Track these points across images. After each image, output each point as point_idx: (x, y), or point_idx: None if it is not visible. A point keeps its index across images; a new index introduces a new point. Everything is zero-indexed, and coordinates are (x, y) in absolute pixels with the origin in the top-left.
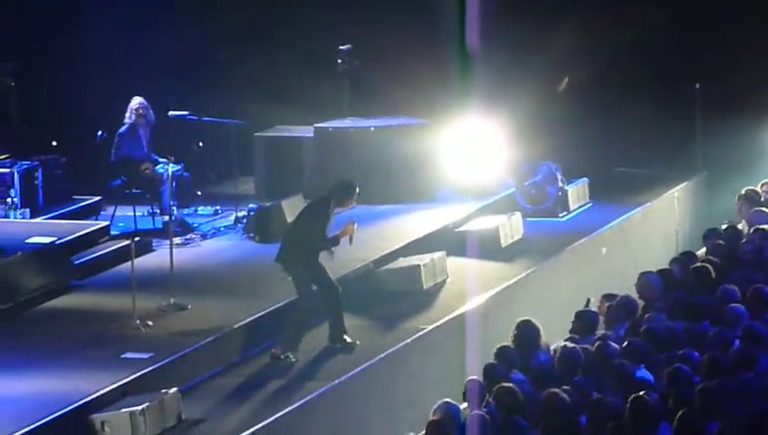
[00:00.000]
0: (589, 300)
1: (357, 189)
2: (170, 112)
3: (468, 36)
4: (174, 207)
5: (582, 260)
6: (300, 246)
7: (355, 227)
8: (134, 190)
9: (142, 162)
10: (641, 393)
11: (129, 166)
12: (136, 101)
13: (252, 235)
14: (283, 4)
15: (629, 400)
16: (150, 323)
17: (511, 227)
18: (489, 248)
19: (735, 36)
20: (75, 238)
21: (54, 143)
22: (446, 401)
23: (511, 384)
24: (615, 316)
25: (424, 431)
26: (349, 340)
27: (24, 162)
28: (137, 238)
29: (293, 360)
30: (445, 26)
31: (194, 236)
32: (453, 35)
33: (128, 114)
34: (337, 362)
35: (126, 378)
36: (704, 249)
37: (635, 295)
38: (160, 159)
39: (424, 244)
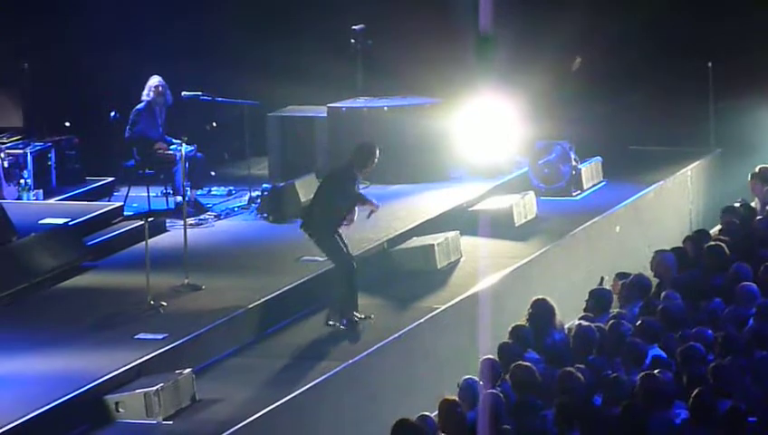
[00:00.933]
0: (603, 279)
1: (376, 150)
2: (184, 93)
3: (482, 15)
4: (187, 188)
5: (596, 239)
6: (327, 215)
7: (376, 205)
8: (147, 171)
9: (156, 142)
10: (654, 371)
11: (143, 144)
12: (155, 79)
13: (265, 215)
14: None
15: (640, 377)
16: (164, 303)
17: (524, 207)
18: (503, 227)
19: (748, 14)
20: (88, 219)
21: (67, 124)
22: (469, 378)
23: (528, 363)
24: (628, 295)
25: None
26: (360, 316)
27: (37, 143)
28: (150, 219)
29: (361, 319)
30: (458, 5)
31: (207, 216)
32: (466, 14)
33: (146, 92)
34: (351, 341)
35: (140, 358)
36: (717, 227)
37: (648, 274)
38: (174, 141)
39: (438, 223)
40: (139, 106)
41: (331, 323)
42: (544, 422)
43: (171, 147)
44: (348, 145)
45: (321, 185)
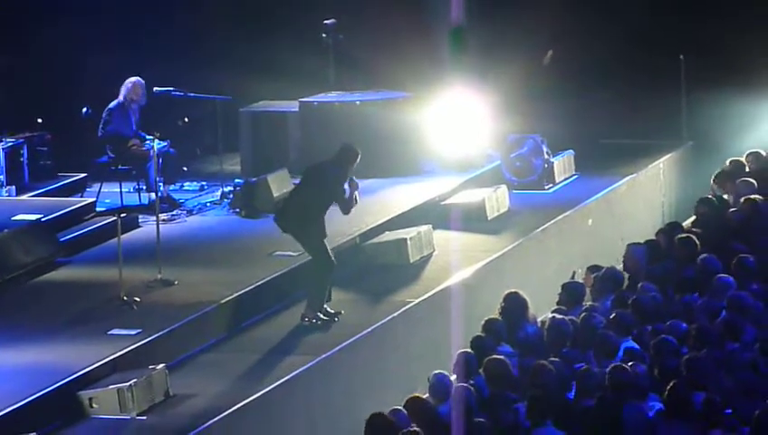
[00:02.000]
0: (575, 272)
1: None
2: (156, 88)
3: (454, 9)
4: (160, 184)
5: (568, 232)
6: (308, 211)
7: (357, 183)
8: (120, 167)
9: (129, 139)
10: (624, 364)
11: (116, 142)
12: (133, 79)
13: (238, 210)
14: None
15: (609, 370)
16: (138, 299)
17: (497, 200)
18: (475, 221)
19: (719, 7)
20: (61, 215)
21: (40, 120)
22: (440, 373)
23: (501, 356)
24: (600, 288)
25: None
26: (330, 311)
27: (8, 139)
28: (123, 215)
29: (318, 321)
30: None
31: (180, 211)
32: (438, 8)
33: (123, 91)
34: (325, 336)
35: (113, 354)
36: (691, 219)
37: (621, 267)
38: (147, 136)
39: (410, 217)
40: (111, 105)
41: (306, 320)
42: (517, 415)
43: (145, 143)
44: (320, 139)
45: (303, 180)
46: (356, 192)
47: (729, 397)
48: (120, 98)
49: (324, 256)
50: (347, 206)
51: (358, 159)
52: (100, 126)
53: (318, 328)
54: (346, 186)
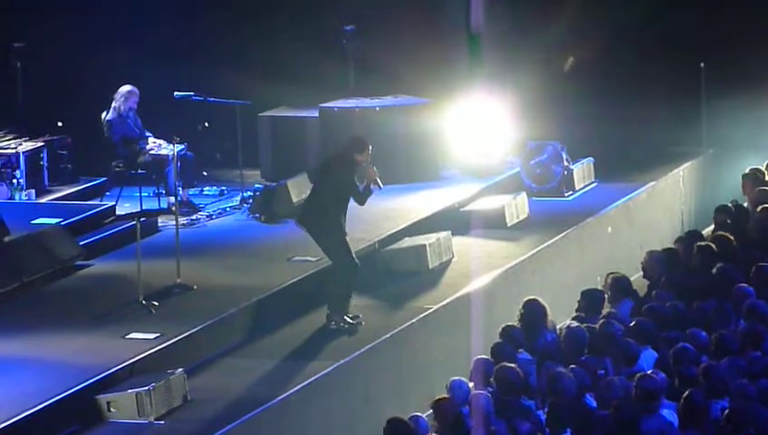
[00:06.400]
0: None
1: (368, 144)
2: (176, 93)
3: (473, 14)
4: (179, 188)
5: (588, 239)
6: (326, 208)
7: (374, 169)
8: (139, 171)
9: (139, 140)
10: (648, 372)
11: (128, 145)
12: (125, 89)
13: (257, 215)
14: None
15: (636, 379)
16: (156, 303)
17: (516, 207)
18: (495, 228)
19: (740, 14)
20: (81, 219)
21: (60, 124)
22: (458, 379)
23: (512, 364)
24: (613, 295)
25: (431, 410)
26: (350, 318)
27: (29, 143)
28: (142, 219)
29: (345, 325)
30: (449, 4)
31: (199, 216)
32: (457, 14)
33: (118, 101)
34: (343, 341)
35: (132, 358)
36: (710, 228)
37: (641, 274)
38: (155, 139)
39: (429, 223)
40: (109, 117)
41: (334, 323)
42: (538, 423)
43: (161, 146)
44: (339, 145)
45: (318, 180)
46: (376, 178)
47: (751, 405)
48: (116, 109)
49: (347, 257)
50: (361, 198)
51: (366, 150)
52: (107, 136)
53: (337, 333)
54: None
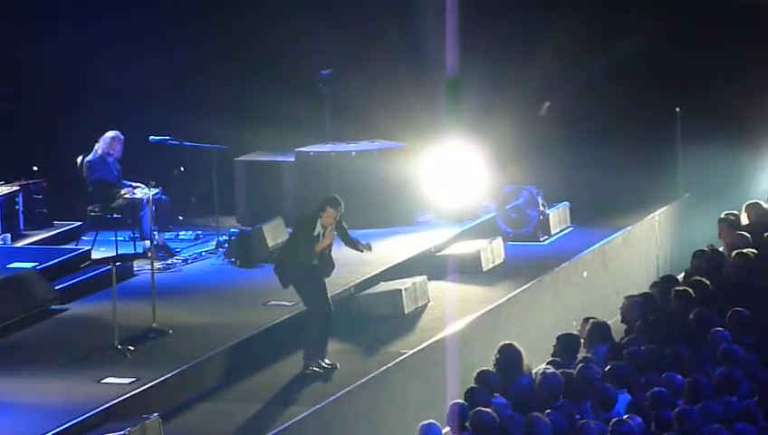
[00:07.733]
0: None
1: (336, 200)
2: (151, 137)
3: (449, 61)
4: (155, 232)
5: (563, 284)
6: (294, 259)
7: (331, 240)
8: (115, 215)
9: (115, 186)
10: (624, 417)
11: (103, 189)
12: (110, 134)
13: (233, 259)
14: (264, 29)
15: (612, 423)
16: (132, 347)
17: (492, 252)
18: (470, 272)
19: (715, 60)
20: (56, 263)
21: (35, 168)
22: (428, 423)
23: (487, 409)
24: (590, 340)
25: None
26: (326, 364)
27: (4, 187)
28: (118, 263)
29: (321, 370)
30: (425, 50)
31: (175, 260)
32: (434, 59)
33: (101, 145)
34: (318, 386)
35: (107, 403)
36: (683, 272)
37: (617, 319)
38: (134, 184)
39: (405, 268)
40: (90, 158)
41: (309, 369)
42: None
43: (135, 190)
44: (316, 189)
45: (294, 226)
46: (325, 246)
47: None
48: (99, 151)
49: (317, 302)
50: (304, 257)
51: (332, 207)
52: (85, 178)
53: (313, 378)
54: (319, 231)
